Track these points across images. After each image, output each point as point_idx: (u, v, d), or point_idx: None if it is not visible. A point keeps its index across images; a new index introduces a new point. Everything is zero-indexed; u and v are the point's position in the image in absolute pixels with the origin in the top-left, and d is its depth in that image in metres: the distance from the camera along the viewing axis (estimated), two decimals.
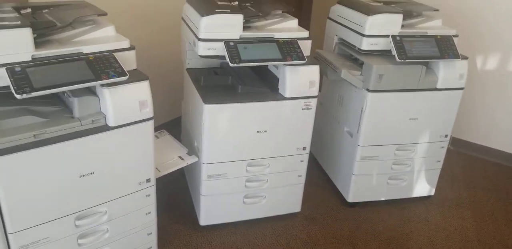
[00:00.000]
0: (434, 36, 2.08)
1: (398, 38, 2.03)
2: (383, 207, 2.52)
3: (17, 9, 1.51)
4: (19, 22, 1.30)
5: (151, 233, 1.94)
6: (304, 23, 4.42)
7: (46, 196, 1.49)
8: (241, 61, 1.72)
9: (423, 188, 2.55)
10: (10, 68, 1.28)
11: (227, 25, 1.76)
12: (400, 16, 2.06)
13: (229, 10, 1.75)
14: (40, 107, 1.50)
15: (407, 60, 2.01)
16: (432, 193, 2.60)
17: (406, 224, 2.41)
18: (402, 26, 2.11)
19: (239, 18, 1.76)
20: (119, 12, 2.47)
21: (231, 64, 1.71)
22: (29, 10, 1.54)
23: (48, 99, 1.54)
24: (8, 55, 1.29)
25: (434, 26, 2.21)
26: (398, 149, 2.34)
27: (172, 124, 3.02)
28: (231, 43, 1.74)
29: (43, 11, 1.57)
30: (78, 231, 1.65)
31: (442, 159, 2.46)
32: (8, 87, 1.28)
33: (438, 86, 2.16)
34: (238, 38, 1.78)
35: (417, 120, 2.24)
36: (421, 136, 2.33)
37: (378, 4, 2.25)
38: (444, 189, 2.73)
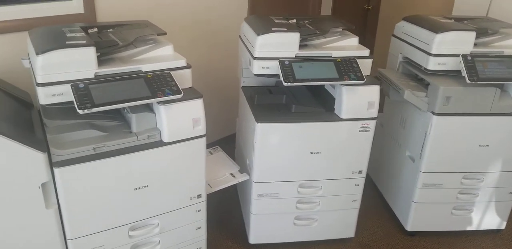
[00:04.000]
0: (511, 56, 1.91)
1: (469, 57, 1.89)
2: (446, 239, 2.34)
3: (85, 29, 1.61)
4: (84, 42, 1.39)
5: (200, 248, 1.95)
6: (368, 41, 4.34)
7: (103, 206, 1.56)
8: (295, 81, 1.70)
9: (492, 220, 2.33)
10: (75, 85, 1.36)
11: (283, 44, 1.74)
12: (473, 34, 1.92)
13: (285, 29, 1.74)
14: (101, 122, 1.58)
15: (478, 82, 1.86)
16: (503, 226, 2.37)
17: None
18: (475, 44, 1.96)
19: (295, 37, 1.74)
20: (181, 29, 2.57)
21: (284, 84, 1.69)
22: (95, 29, 1.64)
23: (110, 114, 1.62)
24: (74, 72, 1.38)
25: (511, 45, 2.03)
26: (465, 178, 2.17)
27: (227, 140, 3.05)
28: (286, 62, 1.72)
29: (108, 30, 1.67)
30: (131, 241, 1.70)
31: None
32: (72, 102, 1.36)
33: None
34: (294, 56, 1.76)
35: (488, 147, 2.06)
36: (492, 164, 2.13)
37: (449, 20, 2.12)
38: None
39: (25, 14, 1.84)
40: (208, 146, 2.28)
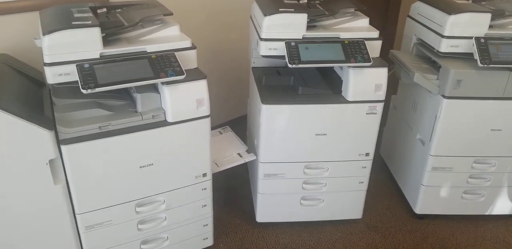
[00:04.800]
0: None
1: (482, 40, 1.83)
2: (456, 223, 2.33)
3: (94, 9, 1.63)
4: (90, 22, 1.41)
5: (207, 225, 2.00)
6: (391, 22, 4.20)
7: (109, 182, 1.61)
8: (300, 62, 1.68)
9: (504, 205, 2.30)
10: (80, 65, 1.39)
11: (290, 25, 1.73)
12: (488, 15, 1.85)
13: (293, 10, 1.72)
14: (108, 101, 1.62)
15: (491, 65, 1.81)
16: None
17: (480, 244, 2.20)
18: (491, 26, 1.89)
19: (302, 18, 1.72)
20: (194, 9, 2.56)
21: (289, 65, 1.68)
22: (104, 9, 1.66)
23: (117, 94, 1.66)
24: (79, 53, 1.41)
25: None
26: (476, 162, 2.13)
27: (239, 120, 3.08)
28: (292, 43, 1.71)
29: (117, 10, 1.68)
30: (138, 217, 1.77)
31: None
32: (78, 81, 1.39)
33: None
34: (301, 38, 1.75)
35: (500, 131, 2.02)
36: (504, 149, 2.09)
37: (465, 1, 2.04)
38: None
39: None
40: (220, 126, 2.32)
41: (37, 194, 1.50)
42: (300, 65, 1.69)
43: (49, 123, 1.43)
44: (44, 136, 1.40)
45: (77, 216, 1.62)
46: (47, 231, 1.60)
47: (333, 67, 2.03)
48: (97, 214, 1.65)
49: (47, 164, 1.45)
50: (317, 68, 2.10)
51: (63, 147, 1.44)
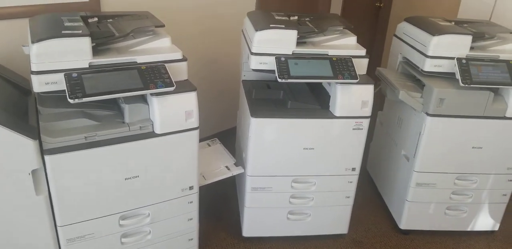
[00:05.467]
0: (507, 61, 1.90)
1: (464, 61, 1.88)
2: (439, 239, 2.35)
3: (85, 18, 1.63)
4: (80, 31, 1.41)
5: (192, 239, 1.97)
6: (379, 40, 4.30)
7: (93, 194, 1.58)
8: (289, 77, 1.71)
9: (486, 222, 2.33)
10: (68, 74, 1.38)
11: (280, 40, 1.76)
12: (469, 37, 1.92)
13: (283, 26, 1.75)
14: (95, 111, 1.60)
15: (472, 85, 1.86)
16: (496, 228, 2.37)
17: None
18: (472, 48, 1.95)
19: (293, 34, 1.75)
20: (189, 22, 2.58)
21: (279, 80, 1.70)
22: (95, 19, 1.66)
23: (105, 104, 1.64)
24: (68, 62, 1.40)
25: (508, 50, 2.01)
26: (458, 179, 2.17)
27: (228, 133, 3.07)
28: (282, 59, 1.73)
29: (108, 20, 1.69)
30: (122, 230, 1.73)
31: (509, 193, 2.23)
32: (65, 90, 1.38)
33: (508, 115, 1.97)
34: (291, 53, 1.77)
35: (481, 149, 2.06)
36: (485, 166, 2.13)
37: (448, 23, 2.11)
38: None
39: (29, 0, 1.85)
40: (209, 138, 2.32)
41: (18, 205, 1.46)
42: (289, 80, 1.71)
43: (33, 132, 1.40)
44: (27, 145, 1.37)
45: (58, 228, 1.58)
46: (27, 244, 1.55)
47: (321, 82, 2.05)
48: (80, 226, 1.61)
49: (29, 174, 1.42)
50: (306, 83, 2.13)
51: (46, 157, 1.42)
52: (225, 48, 2.88)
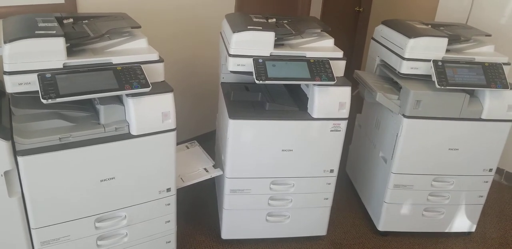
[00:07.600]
0: (482, 63, 1.94)
1: (439, 63, 1.92)
2: (417, 240, 2.37)
3: (60, 19, 1.61)
4: (54, 32, 1.40)
5: (170, 242, 1.96)
6: (358, 43, 4.35)
7: (68, 196, 1.56)
8: (267, 79, 1.71)
9: (462, 223, 2.37)
10: (41, 74, 1.37)
11: (258, 42, 1.76)
12: (445, 40, 1.95)
13: (261, 28, 1.76)
14: (70, 112, 1.58)
15: (447, 87, 1.89)
16: (473, 229, 2.41)
17: None
18: (448, 50, 1.99)
19: (270, 36, 1.76)
20: (161, 24, 2.58)
21: (256, 81, 1.71)
22: (71, 20, 1.64)
23: (80, 105, 1.63)
24: (42, 62, 1.39)
25: (484, 52, 2.06)
26: (435, 180, 2.20)
27: (208, 136, 3.07)
28: (260, 60, 1.74)
29: (84, 21, 1.67)
30: (98, 233, 1.71)
31: (485, 194, 2.27)
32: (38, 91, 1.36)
33: (483, 117, 2.01)
34: (268, 55, 1.78)
35: (457, 151, 2.09)
36: (461, 168, 2.17)
37: (424, 26, 2.15)
38: (488, 227, 2.52)
39: (3, 2, 1.83)
40: (189, 140, 2.31)
41: None
42: (267, 82, 1.72)
43: (6, 133, 1.38)
44: (0, 146, 1.35)
45: (32, 231, 1.56)
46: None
47: (299, 84, 2.07)
48: (54, 229, 1.59)
49: (2, 175, 1.40)
50: (284, 85, 2.14)
51: (19, 158, 1.40)
52: (204, 50, 2.88)
